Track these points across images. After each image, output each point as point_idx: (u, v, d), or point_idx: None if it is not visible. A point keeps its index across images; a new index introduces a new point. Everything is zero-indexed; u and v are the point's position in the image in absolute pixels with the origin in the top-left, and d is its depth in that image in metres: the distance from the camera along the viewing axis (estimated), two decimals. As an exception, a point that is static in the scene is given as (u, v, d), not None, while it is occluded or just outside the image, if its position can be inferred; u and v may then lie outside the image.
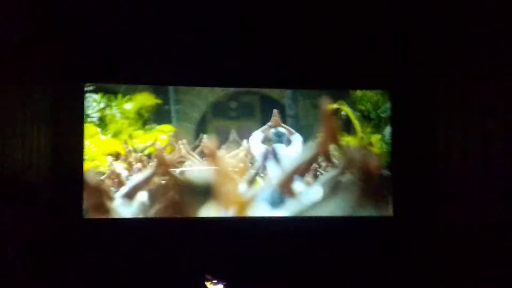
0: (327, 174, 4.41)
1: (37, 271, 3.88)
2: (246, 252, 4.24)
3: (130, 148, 4.31)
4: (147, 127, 4.36)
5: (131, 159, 4.30)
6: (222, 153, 4.39)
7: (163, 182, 4.28)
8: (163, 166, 4.27)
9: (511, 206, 3.48)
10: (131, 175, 4.30)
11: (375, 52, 4.49)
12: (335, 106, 4.49)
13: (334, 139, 4.42)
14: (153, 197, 4.26)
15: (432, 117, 4.37)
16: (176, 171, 4.30)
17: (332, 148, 4.44)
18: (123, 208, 4.22)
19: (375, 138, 4.53)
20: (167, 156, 4.31)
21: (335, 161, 4.44)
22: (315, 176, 4.43)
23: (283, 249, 4.31)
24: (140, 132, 4.34)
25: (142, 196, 4.26)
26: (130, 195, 4.24)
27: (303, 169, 4.43)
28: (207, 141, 4.39)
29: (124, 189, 4.25)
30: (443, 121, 4.26)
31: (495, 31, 3.66)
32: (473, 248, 3.81)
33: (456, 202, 4.04)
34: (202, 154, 4.41)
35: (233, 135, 4.45)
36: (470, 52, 3.95)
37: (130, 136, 4.31)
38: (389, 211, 4.47)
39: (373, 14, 4.26)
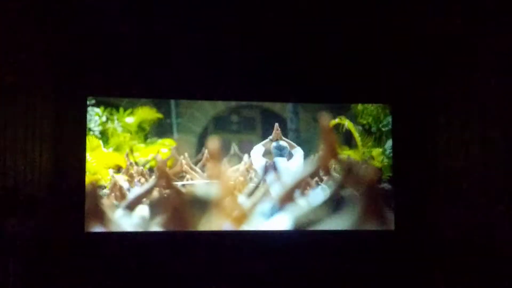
0: (327, 188, 4.39)
1: (37, 284, 3.89)
2: (247, 266, 4.23)
3: (132, 161, 4.32)
4: (148, 140, 4.38)
5: (132, 172, 4.31)
6: (224, 166, 4.38)
7: (164, 195, 4.26)
8: (164, 179, 4.27)
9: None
10: (132, 187, 4.30)
11: (376, 66, 4.51)
12: (336, 121, 4.50)
13: (334, 155, 4.40)
14: (154, 209, 4.24)
15: (433, 131, 4.37)
16: (178, 184, 4.30)
17: (332, 162, 4.42)
18: (124, 220, 4.20)
19: (376, 151, 4.53)
20: (168, 169, 4.31)
21: (336, 175, 4.42)
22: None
23: (284, 263, 4.30)
24: (141, 145, 4.36)
25: (143, 209, 4.24)
26: (131, 207, 4.22)
27: (304, 184, 4.40)
28: (211, 142, 4.35)
29: (125, 202, 4.24)
30: (444, 135, 4.26)
31: (493, 42, 3.69)
32: (475, 262, 3.80)
33: (458, 215, 4.03)
34: (203, 168, 4.41)
35: (234, 148, 4.46)
36: (470, 67, 3.97)
37: (132, 150, 4.33)
38: (390, 225, 4.44)
39: (374, 28, 4.31)
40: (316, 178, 4.42)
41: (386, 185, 4.49)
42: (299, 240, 4.34)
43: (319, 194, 4.35)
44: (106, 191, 4.22)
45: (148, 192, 4.26)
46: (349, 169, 4.41)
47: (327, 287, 4.28)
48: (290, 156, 4.50)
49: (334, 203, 4.32)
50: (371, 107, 4.59)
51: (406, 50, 4.46)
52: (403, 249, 4.40)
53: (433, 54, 4.35)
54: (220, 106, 4.56)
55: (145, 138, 4.37)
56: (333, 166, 4.41)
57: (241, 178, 4.41)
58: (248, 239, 4.30)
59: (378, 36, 4.38)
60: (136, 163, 4.33)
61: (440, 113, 4.32)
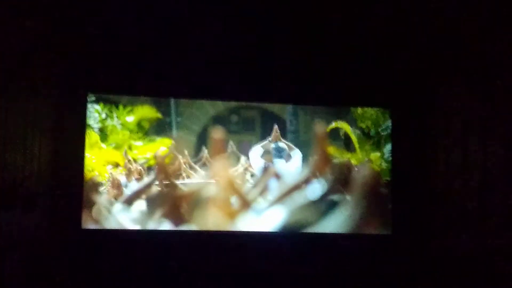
0: (323, 186, 4.38)
1: (34, 279, 3.90)
2: (242, 267, 4.22)
3: (130, 158, 4.34)
4: (147, 138, 4.40)
5: (130, 167, 4.33)
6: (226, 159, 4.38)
7: (162, 190, 4.27)
8: (163, 175, 4.27)
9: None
10: (129, 182, 4.32)
11: (376, 70, 4.50)
12: (333, 125, 4.50)
13: (327, 161, 4.40)
14: (151, 206, 4.25)
15: (433, 136, 4.37)
16: (176, 181, 4.31)
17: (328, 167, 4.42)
18: (121, 216, 4.21)
19: (375, 155, 4.52)
20: (167, 166, 4.31)
21: (331, 177, 4.40)
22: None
23: (280, 266, 4.26)
24: (140, 143, 4.37)
25: (141, 205, 4.26)
26: (128, 203, 4.24)
27: (301, 186, 4.39)
28: (214, 132, 4.37)
29: (122, 197, 4.26)
30: (444, 140, 4.25)
31: (495, 48, 3.69)
32: (473, 267, 3.78)
33: (456, 220, 4.02)
34: (203, 167, 4.42)
35: (231, 146, 4.47)
36: (471, 71, 3.97)
37: (130, 147, 4.35)
38: (387, 229, 4.42)
39: (374, 32, 4.31)
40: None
41: (383, 189, 4.48)
42: (295, 243, 4.32)
43: (316, 188, 4.34)
44: (103, 187, 4.23)
45: (147, 187, 4.28)
46: (344, 173, 4.40)
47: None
48: (288, 158, 4.50)
49: (330, 206, 4.31)
50: (370, 111, 4.58)
51: (407, 54, 4.46)
52: (400, 253, 4.38)
53: (434, 58, 4.35)
54: (219, 106, 4.56)
55: (144, 136, 4.38)
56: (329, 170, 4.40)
57: (239, 179, 4.41)
58: (243, 240, 4.28)
59: (378, 39, 4.38)
60: (135, 160, 4.35)
61: (440, 118, 4.31)
